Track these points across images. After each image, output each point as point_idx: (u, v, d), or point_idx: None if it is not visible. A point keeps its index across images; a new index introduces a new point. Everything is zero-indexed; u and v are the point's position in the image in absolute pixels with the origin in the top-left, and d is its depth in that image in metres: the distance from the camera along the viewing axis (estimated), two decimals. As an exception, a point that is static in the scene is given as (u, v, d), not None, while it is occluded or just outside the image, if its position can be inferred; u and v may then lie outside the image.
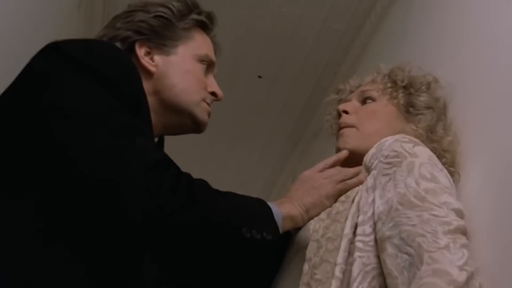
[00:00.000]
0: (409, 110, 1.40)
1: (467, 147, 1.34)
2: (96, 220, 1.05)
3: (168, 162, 1.10)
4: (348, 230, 1.16)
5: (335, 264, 1.12)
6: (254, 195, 1.24)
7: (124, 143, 1.06)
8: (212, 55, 1.39)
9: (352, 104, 1.43)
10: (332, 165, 1.34)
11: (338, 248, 1.14)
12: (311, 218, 1.25)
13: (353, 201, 1.21)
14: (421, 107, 1.40)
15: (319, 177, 1.30)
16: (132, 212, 1.04)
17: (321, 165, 1.34)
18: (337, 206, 1.23)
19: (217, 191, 1.14)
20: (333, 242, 1.16)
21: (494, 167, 1.21)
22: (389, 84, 1.44)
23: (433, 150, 1.28)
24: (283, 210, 1.21)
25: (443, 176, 1.18)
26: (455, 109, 1.44)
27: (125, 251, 1.08)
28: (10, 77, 1.14)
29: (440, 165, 1.21)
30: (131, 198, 1.03)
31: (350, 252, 1.14)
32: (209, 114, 1.36)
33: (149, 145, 1.12)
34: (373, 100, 1.42)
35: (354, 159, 1.32)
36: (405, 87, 1.43)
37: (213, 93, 1.37)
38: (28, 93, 1.10)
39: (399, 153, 1.18)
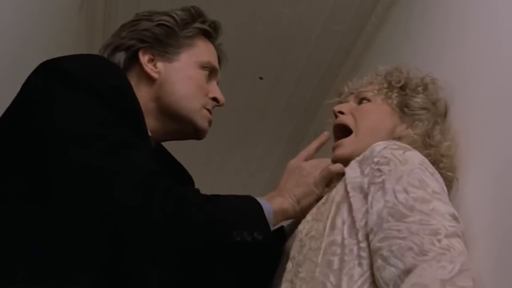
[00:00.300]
0: (403, 110, 1.40)
1: (467, 151, 1.33)
2: (89, 241, 1.07)
3: (157, 175, 1.12)
4: (328, 230, 1.16)
5: (318, 265, 1.13)
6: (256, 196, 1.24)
7: (114, 161, 1.08)
8: (214, 62, 1.41)
9: (349, 105, 1.45)
10: (316, 150, 1.38)
11: (321, 248, 1.15)
12: (303, 208, 1.28)
13: (333, 201, 1.22)
14: (415, 108, 1.40)
15: (306, 165, 1.32)
16: (124, 227, 1.07)
17: (305, 152, 1.37)
18: (320, 207, 1.25)
19: (206, 196, 1.16)
20: (316, 241, 1.17)
21: (494, 171, 1.20)
22: (385, 85, 1.44)
23: (429, 155, 1.28)
24: (274, 204, 1.22)
25: (433, 180, 1.17)
26: (456, 110, 1.43)
27: (119, 272, 1.10)
28: (10, 77, 1.14)
29: (431, 169, 1.20)
30: (122, 216, 1.06)
31: (326, 251, 1.14)
32: (210, 122, 1.38)
33: (139, 158, 1.13)
34: (368, 100, 1.43)
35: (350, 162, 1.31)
36: (401, 88, 1.43)
37: (214, 99, 1.39)
38: (26, 112, 1.13)
39: (390, 160, 1.18)
